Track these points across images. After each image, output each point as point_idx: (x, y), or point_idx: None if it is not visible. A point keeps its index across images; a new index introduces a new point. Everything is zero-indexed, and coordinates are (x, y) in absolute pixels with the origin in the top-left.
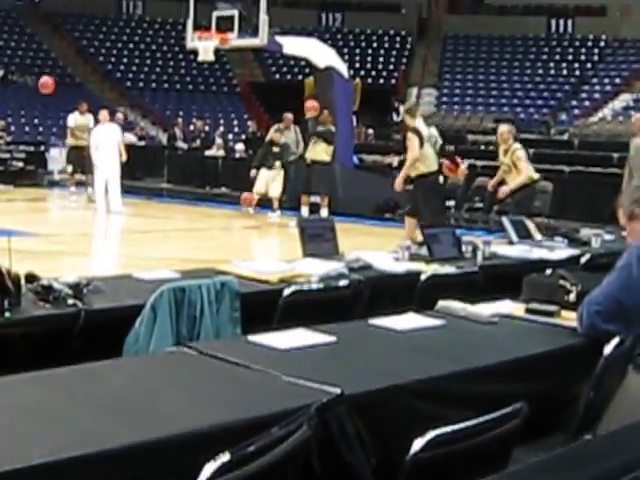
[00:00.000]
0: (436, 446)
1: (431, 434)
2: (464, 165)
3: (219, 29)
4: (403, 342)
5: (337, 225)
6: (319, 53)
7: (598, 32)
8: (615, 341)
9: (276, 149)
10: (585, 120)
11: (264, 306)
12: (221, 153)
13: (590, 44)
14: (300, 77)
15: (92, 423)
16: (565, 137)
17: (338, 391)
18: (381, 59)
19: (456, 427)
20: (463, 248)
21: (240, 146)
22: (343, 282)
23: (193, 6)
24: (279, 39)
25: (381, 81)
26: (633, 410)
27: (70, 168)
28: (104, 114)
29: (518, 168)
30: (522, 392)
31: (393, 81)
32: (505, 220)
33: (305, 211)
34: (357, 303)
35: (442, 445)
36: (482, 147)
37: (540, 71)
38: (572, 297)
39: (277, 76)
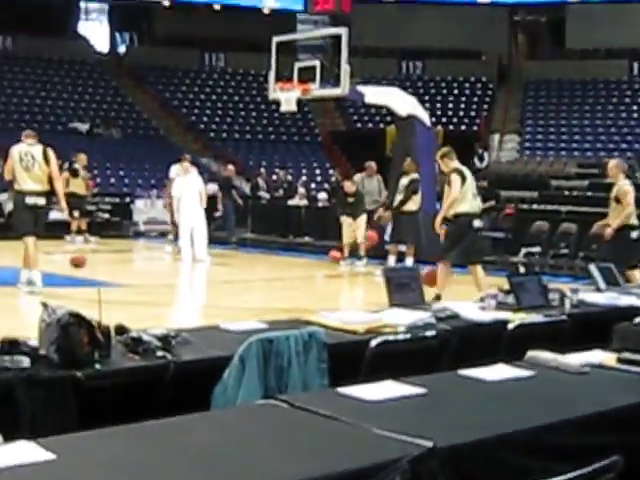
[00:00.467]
0: None
1: None
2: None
3: (301, 80)
4: (494, 393)
5: (422, 274)
6: (400, 101)
7: None
8: None
9: (350, 199)
10: None
11: (351, 357)
12: (304, 202)
13: None
14: (381, 125)
15: (185, 478)
16: None
17: (430, 444)
18: (462, 106)
19: None
20: (550, 296)
21: (323, 195)
22: (430, 332)
23: (275, 57)
24: (360, 88)
25: (463, 128)
26: None
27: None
28: (186, 165)
29: (622, 203)
30: (617, 445)
31: (475, 127)
32: (592, 267)
33: (392, 260)
34: (444, 353)
35: None
36: (566, 192)
37: (623, 114)
38: None
39: (359, 125)
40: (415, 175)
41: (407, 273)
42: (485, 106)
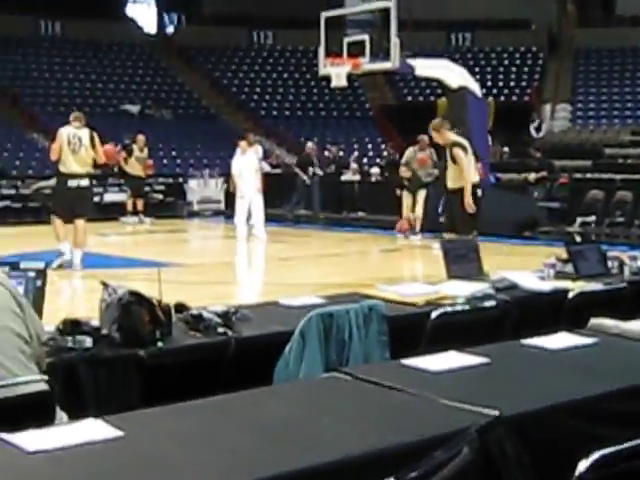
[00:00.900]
0: (601, 467)
1: (596, 455)
2: None
3: (351, 54)
4: (558, 362)
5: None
6: (451, 73)
7: None
8: None
9: (406, 182)
10: None
11: (411, 329)
12: (357, 178)
13: None
14: (432, 98)
15: (251, 449)
16: None
17: (497, 413)
18: (513, 76)
19: (621, 447)
20: (609, 264)
21: (375, 170)
22: (490, 303)
23: (324, 33)
24: (410, 61)
25: (514, 98)
26: None
27: None
28: (243, 144)
29: None
30: None
31: (526, 98)
32: None
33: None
34: (505, 323)
35: (608, 466)
36: (620, 161)
37: None
38: None
39: (409, 98)
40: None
41: (464, 245)
42: (536, 76)
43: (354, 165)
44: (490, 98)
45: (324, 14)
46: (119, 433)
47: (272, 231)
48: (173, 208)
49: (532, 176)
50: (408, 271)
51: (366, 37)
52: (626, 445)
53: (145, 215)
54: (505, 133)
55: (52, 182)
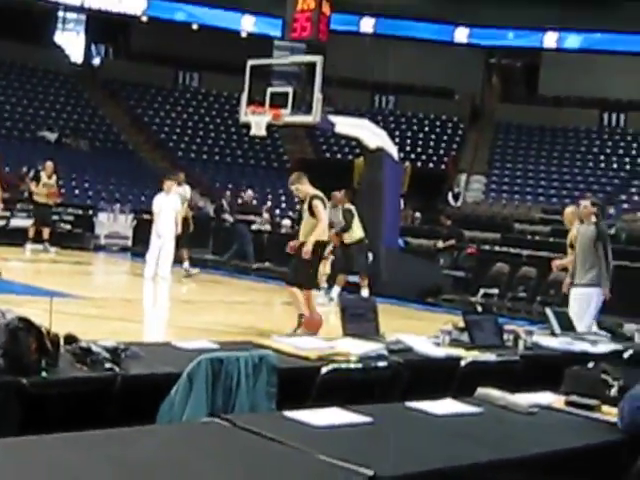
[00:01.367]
0: None
1: None
2: None
3: (273, 105)
4: (440, 427)
5: (380, 306)
6: (370, 134)
7: None
8: None
9: None
10: (633, 215)
11: (301, 383)
12: (267, 227)
13: None
14: (350, 157)
15: None
16: (612, 231)
17: (371, 473)
18: (432, 143)
19: None
20: (505, 336)
21: (287, 222)
22: (382, 363)
23: (248, 81)
24: (331, 118)
25: (431, 165)
26: None
27: None
28: (168, 184)
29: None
30: None
31: (443, 166)
32: (548, 311)
33: (337, 290)
34: (395, 385)
35: None
36: (529, 237)
37: (590, 164)
38: (614, 392)
39: (328, 154)
40: (348, 205)
41: (363, 303)
42: (454, 145)
43: (266, 215)
44: (407, 163)
45: (250, 62)
46: None
47: (177, 272)
48: (80, 240)
49: (440, 244)
50: None
51: (290, 89)
52: None
53: (51, 244)
54: (419, 199)
55: None
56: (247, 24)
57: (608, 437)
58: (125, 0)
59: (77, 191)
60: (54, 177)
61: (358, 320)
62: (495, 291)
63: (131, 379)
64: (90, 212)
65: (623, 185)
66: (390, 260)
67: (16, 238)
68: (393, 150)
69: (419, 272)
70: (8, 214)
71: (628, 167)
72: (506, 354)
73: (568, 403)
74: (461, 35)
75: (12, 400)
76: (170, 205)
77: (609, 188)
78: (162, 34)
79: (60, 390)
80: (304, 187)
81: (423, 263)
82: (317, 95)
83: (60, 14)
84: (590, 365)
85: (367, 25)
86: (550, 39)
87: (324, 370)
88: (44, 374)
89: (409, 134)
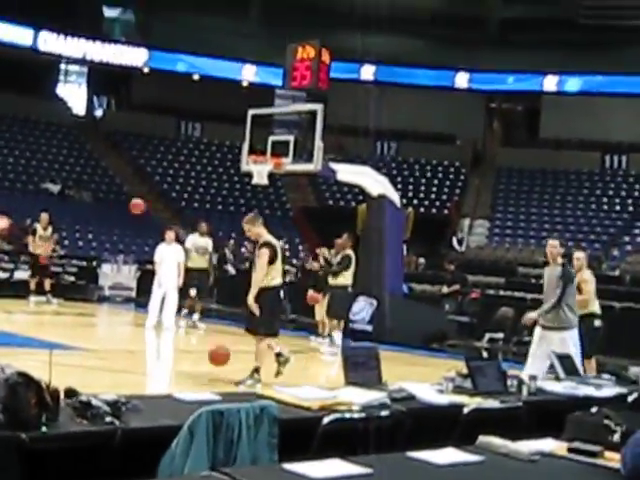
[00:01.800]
0: None
1: None
2: None
3: (274, 153)
4: (440, 477)
5: (383, 354)
6: (372, 181)
7: None
8: None
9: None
10: (637, 256)
11: (303, 433)
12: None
13: None
14: (353, 204)
15: None
16: (616, 273)
17: None
18: (434, 189)
19: None
20: (508, 382)
21: (291, 269)
22: (384, 412)
23: (250, 130)
24: (333, 165)
25: (434, 211)
26: None
27: (193, 292)
28: (170, 235)
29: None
30: None
31: (446, 211)
32: (552, 355)
33: (338, 336)
34: (398, 434)
35: None
36: (533, 280)
37: (593, 206)
38: (616, 437)
39: (330, 202)
40: (349, 252)
41: (365, 352)
42: (457, 190)
43: None
44: (410, 208)
45: (251, 112)
46: None
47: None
48: (84, 291)
49: (445, 289)
50: (310, 374)
51: (291, 138)
52: None
53: (54, 296)
54: (422, 244)
55: None
56: (248, 74)
57: None
58: (126, 52)
59: (80, 242)
60: (50, 229)
61: (360, 369)
62: (500, 335)
63: (132, 432)
64: (94, 263)
65: (626, 227)
66: (394, 306)
67: (20, 290)
68: (395, 197)
69: (423, 318)
70: (12, 266)
71: (631, 209)
72: (509, 400)
73: (570, 450)
74: (461, 80)
75: (12, 455)
76: (171, 255)
77: (612, 230)
78: (163, 85)
79: (60, 445)
80: (256, 230)
81: (427, 309)
82: (318, 143)
83: (62, 66)
84: (593, 410)
85: (367, 72)
86: (550, 82)
87: (326, 420)
88: (44, 429)
89: (411, 180)
